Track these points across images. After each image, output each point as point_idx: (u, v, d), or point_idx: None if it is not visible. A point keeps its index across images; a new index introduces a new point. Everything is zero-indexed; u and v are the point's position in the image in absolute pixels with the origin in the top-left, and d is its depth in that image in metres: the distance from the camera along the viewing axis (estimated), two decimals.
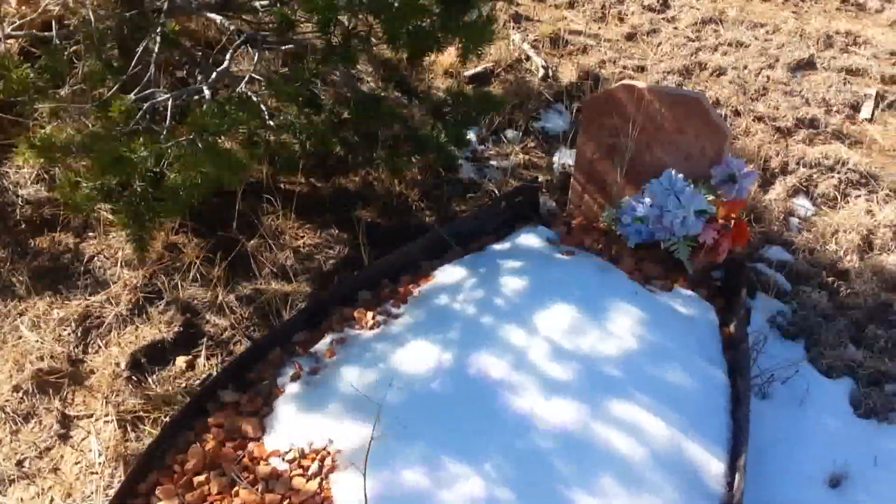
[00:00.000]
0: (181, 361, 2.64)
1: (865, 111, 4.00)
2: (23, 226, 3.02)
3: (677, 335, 2.56)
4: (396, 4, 2.40)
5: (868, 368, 2.67)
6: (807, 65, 4.32)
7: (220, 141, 2.16)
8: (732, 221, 2.91)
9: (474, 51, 2.50)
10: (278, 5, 2.54)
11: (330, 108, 2.58)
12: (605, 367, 2.38)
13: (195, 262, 2.89)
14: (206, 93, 2.39)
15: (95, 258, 2.94)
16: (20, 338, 2.67)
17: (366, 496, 1.97)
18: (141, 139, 2.18)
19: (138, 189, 2.24)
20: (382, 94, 2.76)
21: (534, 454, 2.13)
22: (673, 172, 2.90)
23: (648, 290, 2.77)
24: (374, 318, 2.59)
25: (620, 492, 2.07)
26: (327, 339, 2.54)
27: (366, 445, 2.00)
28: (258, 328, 2.78)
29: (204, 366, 2.63)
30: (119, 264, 2.90)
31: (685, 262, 2.87)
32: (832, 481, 2.35)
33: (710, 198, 2.86)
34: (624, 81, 3.00)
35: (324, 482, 2.09)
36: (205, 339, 2.72)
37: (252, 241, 3.01)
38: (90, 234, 3.01)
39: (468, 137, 3.11)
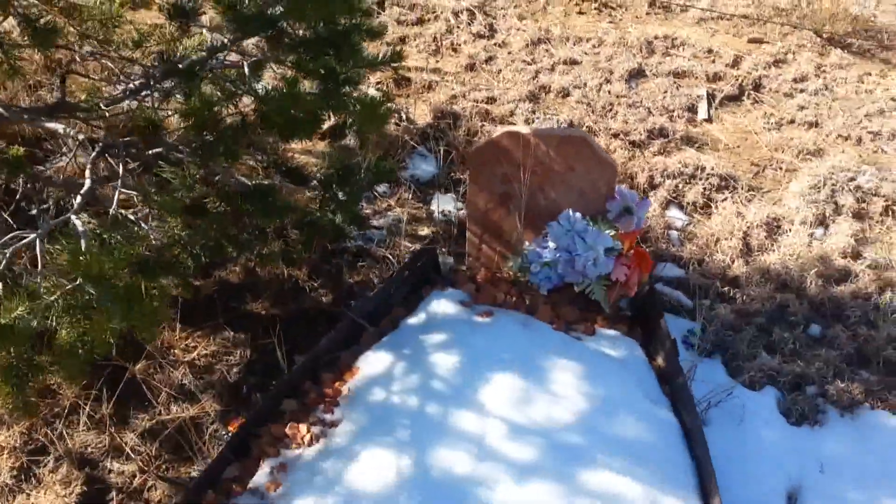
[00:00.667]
0: None
1: (702, 112, 4.24)
2: None
3: (618, 382, 2.55)
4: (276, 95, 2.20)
5: (786, 374, 2.80)
6: (638, 73, 4.51)
7: (116, 285, 1.83)
8: (632, 251, 2.95)
9: (368, 134, 2.33)
10: (138, 109, 2.22)
11: (218, 211, 2.30)
12: (565, 436, 2.31)
13: (78, 403, 2.50)
14: (77, 223, 2.04)
15: None
16: None
17: None
18: (15, 296, 1.82)
19: (16, 359, 1.87)
20: (267, 181, 2.51)
21: None
22: (571, 212, 2.88)
23: (574, 337, 2.74)
24: (309, 431, 2.36)
25: None
26: (265, 468, 2.27)
27: None
28: (172, 465, 2.45)
29: None
30: None
31: (602, 303, 2.87)
32: (790, 497, 2.44)
33: (611, 233, 2.87)
34: (507, 128, 2.94)
35: None
36: (114, 494, 2.35)
37: (139, 365, 2.65)
38: None
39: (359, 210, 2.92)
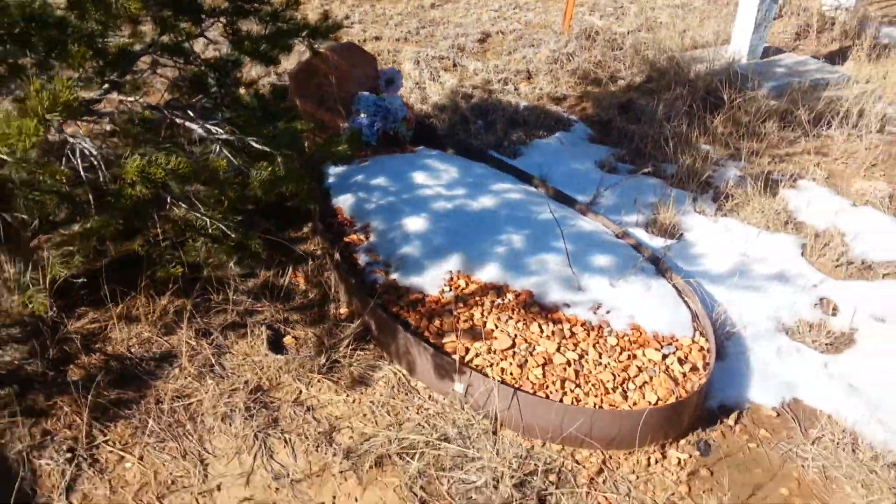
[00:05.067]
0: None
1: None
2: None
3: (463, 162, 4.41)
4: None
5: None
6: None
7: None
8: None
9: None
10: None
11: None
12: (510, 197, 4.12)
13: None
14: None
15: None
16: None
17: None
18: None
19: None
20: None
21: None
22: (366, 93, 4.55)
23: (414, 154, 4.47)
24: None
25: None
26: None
27: None
28: None
29: None
30: None
31: (406, 135, 4.62)
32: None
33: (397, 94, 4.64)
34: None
35: None
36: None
37: None
38: None
39: None
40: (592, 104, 5.82)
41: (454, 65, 6.32)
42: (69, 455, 2.52)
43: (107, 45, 2.41)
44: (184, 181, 2.63)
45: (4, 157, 1.89)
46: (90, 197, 2.34)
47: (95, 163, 2.42)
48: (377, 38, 6.72)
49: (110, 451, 2.57)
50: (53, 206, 2.25)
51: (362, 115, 4.49)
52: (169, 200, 2.74)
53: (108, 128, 2.92)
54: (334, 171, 4.14)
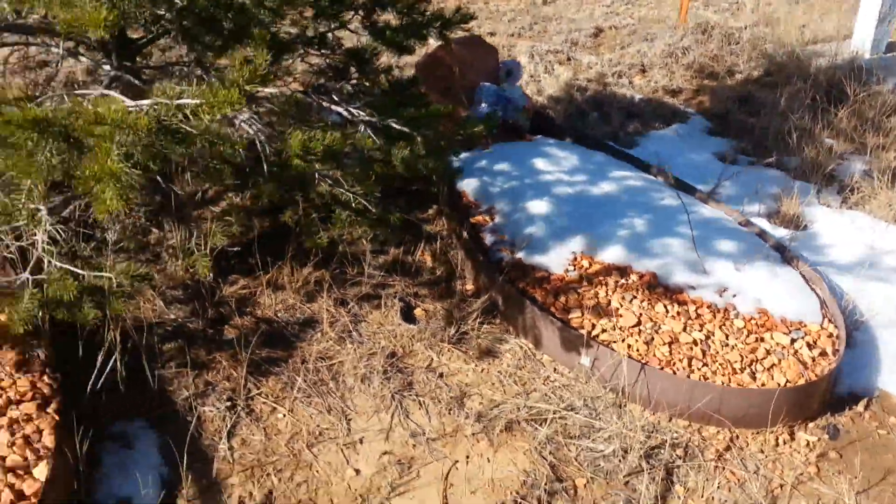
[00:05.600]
0: None
1: None
2: None
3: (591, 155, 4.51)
4: None
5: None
6: None
7: None
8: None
9: None
10: None
11: None
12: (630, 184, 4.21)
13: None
14: None
15: None
16: None
17: None
18: None
19: None
20: None
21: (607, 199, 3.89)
22: (487, 84, 4.70)
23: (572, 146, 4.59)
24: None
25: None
26: None
27: None
28: None
29: None
30: None
31: (524, 125, 4.75)
32: None
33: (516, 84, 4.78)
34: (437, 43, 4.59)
35: None
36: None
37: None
38: None
39: None
40: (709, 97, 5.80)
41: (568, 58, 6.41)
42: (229, 404, 2.77)
43: (278, 31, 2.64)
44: (335, 157, 2.85)
45: (191, 129, 2.13)
46: (263, 167, 2.58)
47: (262, 138, 2.66)
48: (491, 34, 6.88)
49: (264, 403, 2.81)
50: (228, 174, 2.49)
51: (483, 105, 4.64)
52: (317, 176, 2.97)
53: (265, 108, 3.17)
54: (457, 157, 4.31)
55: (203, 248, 3.05)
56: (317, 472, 2.56)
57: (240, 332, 3.09)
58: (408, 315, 3.30)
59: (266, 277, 3.34)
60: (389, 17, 3.55)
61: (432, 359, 3.07)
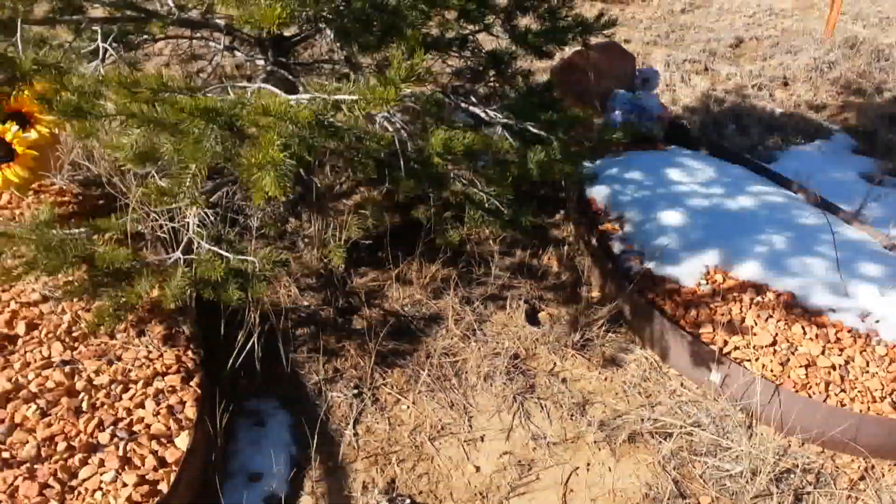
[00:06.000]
0: None
1: None
2: None
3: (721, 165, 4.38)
4: None
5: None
6: None
7: None
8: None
9: None
10: None
11: None
12: (769, 199, 4.07)
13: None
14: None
15: None
16: None
17: None
18: None
19: None
20: None
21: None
22: (622, 91, 4.64)
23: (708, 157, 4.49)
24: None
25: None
26: None
27: None
28: None
29: None
30: None
31: (659, 134, 4.66)
32: None
33: (654, 93, 4.70)
34: (576, 49, 4.58)
35: None
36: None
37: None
38: None
39: None
40: (855, 114, 5.51)
41: (705, 68, 6.24)
42: (356, 391, 2.86)
43: (428, 32, 2.72)
44: (473, 157, 2.89)
45: (339, 122, 2.21)
46: (400, 163, 2.65)
47: (405, 134, 2.73)
48: (627, 41, 6.78)
49: (389, 393, 2.88)
50: (372, 169, 2.57)
51: (617, 112, 4.59)
52: (452, 175, 3.02)
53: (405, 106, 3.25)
54: (592, 163, 4.28)
55: (338, 239, 3.17)
56: (438, 465, 2.60)
57: (368, 322, 3.18)
58: (532, 318, 3.31)
59: (395, 272, 3.43)
60: (530, 22, 3.57)
61: (555, 363, 3.06)
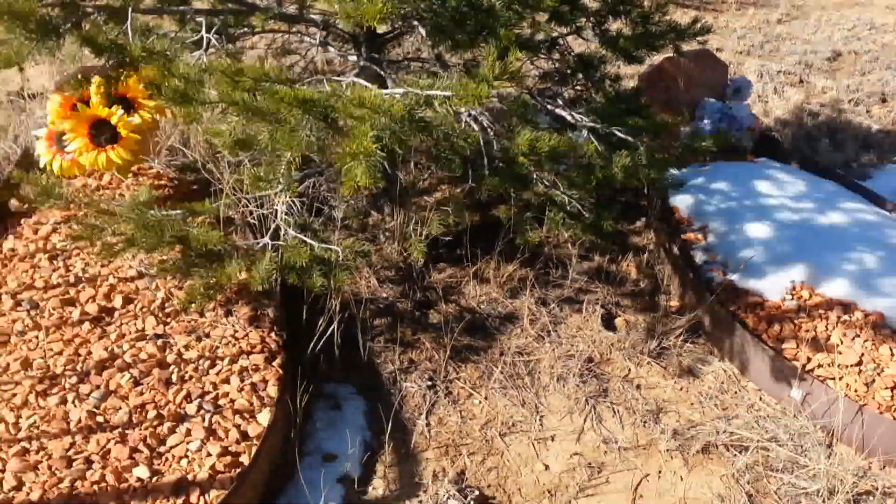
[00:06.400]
0: None
1: None
2: None
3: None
4: None
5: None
6: None
7: None
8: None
9: None
10: None
11: None
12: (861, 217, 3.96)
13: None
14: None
15: None
16: None
17: None
18: None
19: None
20: None
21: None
22: (713, 99, 4.56)
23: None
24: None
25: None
26: None
27: None
28: None
29: None
30: None
31: (749, 145, 4.56)
32: None
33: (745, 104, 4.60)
34: (663, 55, 4.53)
35: None
36: None
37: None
38: None
39: None
40: None
41: (800, 81, 6.07)
42: (430, 383, 2.91)
43: (521, 32, 2.74)
44: (557, 159, 2.90)
45: (429, 117, 2.26)
46: (484, 161, 2.68)
47: (491, 134, 2.77)
48: (719, 50, 6.65)
49: (461, 388, 2.92)
50: (458, 165, 2.62)
51: (706, 121, 4.52)
52: (535, 176, 3.04)
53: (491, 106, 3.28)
54: (673, 171, 4.22)
55: (419, 234, 3.22)
56: (507, 460, 2.63)
57: (444, 317, 3.22)
58: (608, 323, 3.29)
59: (473, 269, 3.46)
60: (621, 26, 3.56)
61: (630, 369, 3.04)
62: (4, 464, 2.17)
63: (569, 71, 3.56)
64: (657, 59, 4.50)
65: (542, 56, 3.50)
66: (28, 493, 2.10)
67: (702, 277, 3.35)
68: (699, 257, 3.50)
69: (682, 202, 3.93)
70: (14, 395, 2.39)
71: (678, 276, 3.42)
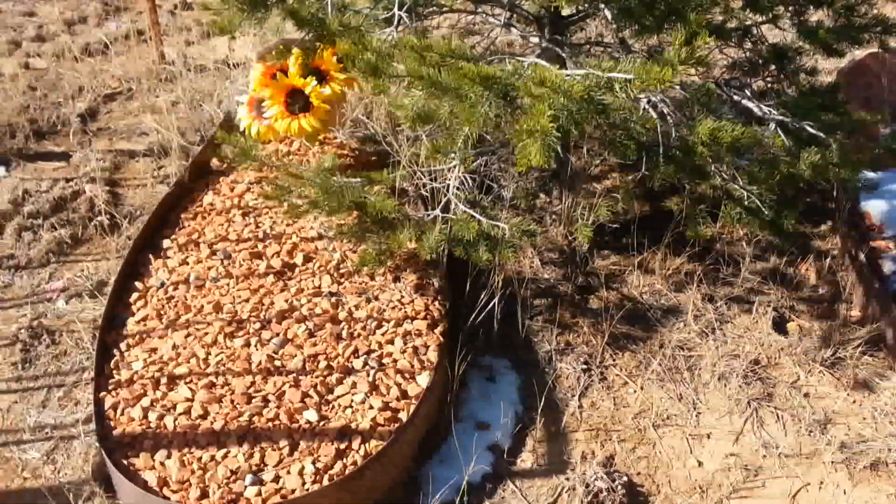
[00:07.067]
0: None
1: None
2: None
3: None
4: None
5: None
6: None
7: None
8: None
9: None
10: None
11: None
12: None
13: None
14: None
15: None
16: None
17: None
18: None
19: None
20: None
21: None
22: None
23: None
24: None
25: None
26: None
27: None
28: None
29: None
30: None
31: None
32: None
33: None
34: (868, 51, 4.22)
35: None
36: None
37: None
38: None
39: None
40: None
41: None
42: (584, 367, 2.92)
43: (712, 18, 2.67)
44: (739, 151, 2.80)
45: (607, 100, 2.25)
46: (659, 149, 2.64)
47: (670, 121, 2.72)
48: None
49: (616, 375, 2.91)
50: (632, 151, 2.59)
51: None
52: (713, 168, 2.95)
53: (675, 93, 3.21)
54: (868, 174, 3.95)
55: (586, 219, 3.22)
56: (659, 452, 2.60)
57: (604, 303, 3.21)
58: (779, 327, 3.15)
59: (637, 259, 3.42)
60: (822, 17, 3.36)
61: (799, 376, 2.90)
62: (194, 394, 2.42)
63: (760, 61, 3.40)
64: (859, 54, 4.21)
65: (733, 45, 3.37)
66: (212, 423, 2.33)
67: (889, 287, 3.13)
68: (888, 267, 3.25)
69: (874, 207, 3.66)
70: (206, 333, 2.65)
71: (862, 285, 3.20)
